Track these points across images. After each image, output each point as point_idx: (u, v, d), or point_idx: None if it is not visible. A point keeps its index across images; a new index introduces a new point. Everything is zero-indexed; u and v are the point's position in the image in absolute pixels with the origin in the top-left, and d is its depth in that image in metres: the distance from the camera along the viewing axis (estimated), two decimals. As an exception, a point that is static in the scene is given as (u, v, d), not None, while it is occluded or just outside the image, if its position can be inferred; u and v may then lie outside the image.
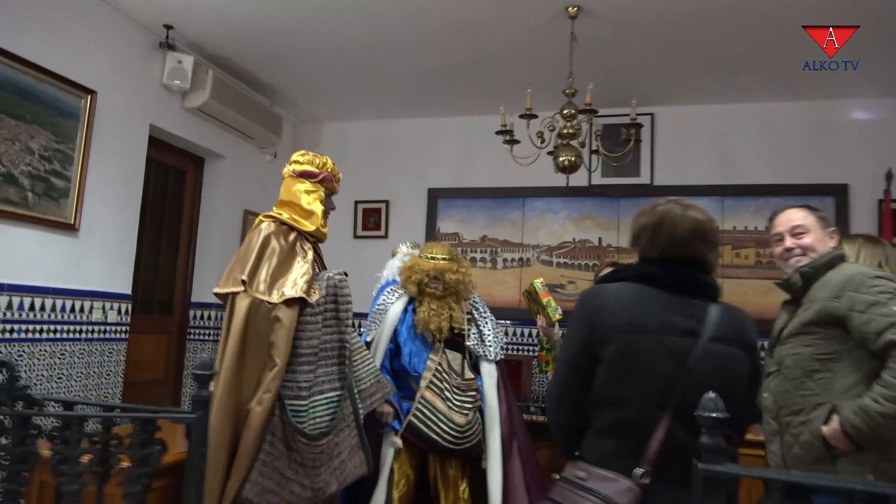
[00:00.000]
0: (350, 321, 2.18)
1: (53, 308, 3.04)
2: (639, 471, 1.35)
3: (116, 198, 3.40)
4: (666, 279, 1.50)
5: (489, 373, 2.83)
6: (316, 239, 2.32)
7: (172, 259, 4.15)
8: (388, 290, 2.91)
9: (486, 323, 2.93)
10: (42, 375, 2.99)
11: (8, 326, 2.83)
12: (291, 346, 1.96)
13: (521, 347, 4.43)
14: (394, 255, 3.50)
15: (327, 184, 2.33)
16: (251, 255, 2.07)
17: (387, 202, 4.93)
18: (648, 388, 1.42)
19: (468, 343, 2.84)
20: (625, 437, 1.42)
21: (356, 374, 2.24)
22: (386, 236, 4.84)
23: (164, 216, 4.09)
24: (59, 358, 3.07)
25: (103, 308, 3.32)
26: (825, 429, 1.74)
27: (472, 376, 2.79)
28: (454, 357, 2.79)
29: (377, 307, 2.85)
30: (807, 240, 1.96)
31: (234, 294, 2.02)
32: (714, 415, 1.15)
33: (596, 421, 1.48)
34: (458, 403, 2.69)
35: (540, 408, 3.45)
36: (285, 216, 2.24)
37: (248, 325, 1.97)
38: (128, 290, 3.49)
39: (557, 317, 2.80)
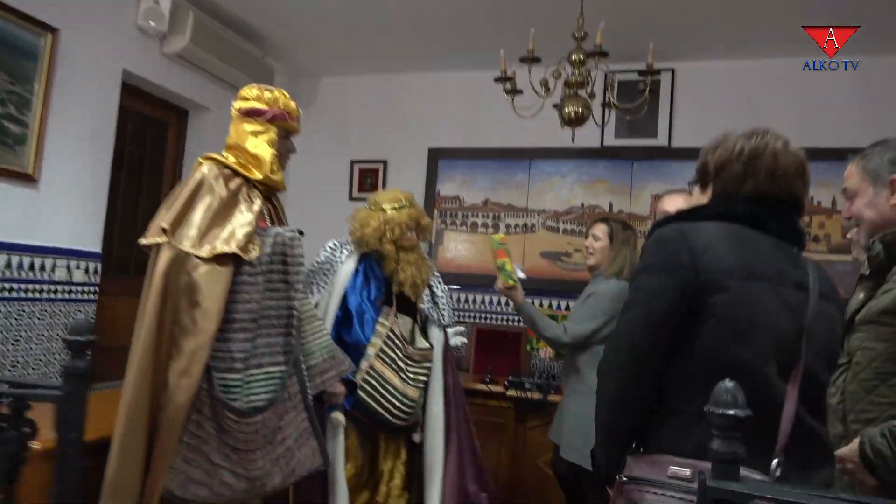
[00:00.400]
0: (300, 286, 1.88)
1: (8, 265, 2.80)
2: (775, 462, 1.04)
3: (83, 147, 3.14)
4: (767, 220, 1.22)
5: (438, 339, 2.55)
6: (268, 187, 2.01)
7: (152, 217, 3.89)
8: (333, 244, 2.56)
9: (438, 284, 2.63)
10: (7, 337, 2.77)
11: (-44, 283, 2.60)
12: (224, 310, 1.68)
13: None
14: None
15: (280, 122, 2.00)
16: (180, 199, 1.78)
17: (384, 162, 4.63)
18: (769, 351, 1.12)
19: (422, 305, 2.55)
20: None
21: (306, 347, 1.94)
22: (383, 199, 4.54)
23: (143, 171, 3.82)
24: (16, 319, 2.85)
25: (68, 267, 3.08)
26: (843, 449, 1.41)
27: (427, 345, 2.48)
28: (404, 322, 2.49)
29: (319, 264, 2.51)
30: (855, 206, 1.57)
31: (158, 246, 1.74)
32: (732, 412, 0.85)
33: (691, 397, 1.12)
34: (412, 376, 2.37)
35: (536, 384, 3.18)
36: (231, 161, 1.94)
37: (168, 282, 1.68)
38: (97, 249, 3.25)
39: (511, 282, 2.52)
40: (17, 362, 2.85)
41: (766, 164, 1.24)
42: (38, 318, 2.95)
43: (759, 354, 1.12)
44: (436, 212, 4.44)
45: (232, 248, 1.71)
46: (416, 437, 2.45)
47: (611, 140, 4.07)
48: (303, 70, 4.77)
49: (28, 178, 2.85)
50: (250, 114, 1.96)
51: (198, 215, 1.76)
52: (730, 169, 1.27)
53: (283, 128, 2.01)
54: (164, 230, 1.72)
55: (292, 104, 2.05)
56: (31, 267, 2.91)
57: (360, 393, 2.30)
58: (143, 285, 1.75)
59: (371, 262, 2.45)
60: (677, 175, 3.84)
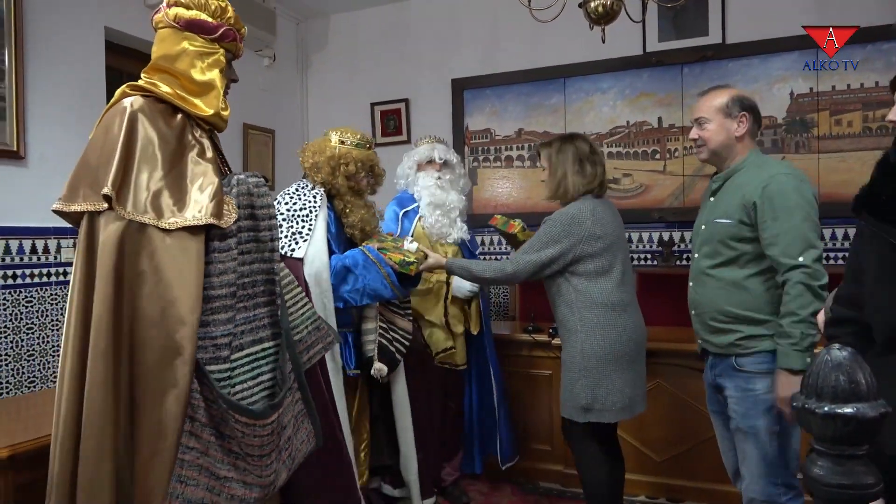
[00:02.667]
0: (276, 243, 1.53)
1: (7, 250, 2.64)
2: None
3: (72, 116, 2.90)
4: None
5: None
6: (213, 127, 1.61)
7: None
8: (298, 187, 2.33)
9: None
10: (8, 327, 2.63)
11: (-48, 275, 2.45)
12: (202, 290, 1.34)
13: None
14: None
15: (228, 44, 1.58)
16: (114, 149, 1.34)
17: (406, 101, 4.26)
18: None
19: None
20: None
21: (288, 320, 1.62)
22: (408, 140, 4.20)
23: (149, 137, 3.59)
24: (25, 307, 2.69)
25: (74, 246, 2.90)
26: None
27: None
28: None
29: (294, 210, 2.22)
30: None
31: (94, 214, 1.33)
32: None
33: None
34: (404, 306, 2.46)
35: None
36: (165, 89, 1.50)
37: (121, 263, 1.29)
38: (104, 224, 3.06)
39: (412, 267, 2.29)
40: (34, 350, 2.72)
41: None
42: (50, 304, 2.80)
43: None
44: (466, 149, 4.08)
45: (206, 217, 1.35)
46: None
47: (654, 44, 3.57)
48: (309, 10, 4.40)
49: (13, 155, 2.65)
50: (193, 28, 1.50)
51: (143, 170, 1.37)
52: None
53: (231, 51, 1.61)
54: (106, 197, 1.31)
55: (240, 21, 1.63)
56: (33, 250, 2.74)
57: (382, 341, 2.35)
58: (74, 269, 1.36)
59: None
60: (736, 76, 3.34)
